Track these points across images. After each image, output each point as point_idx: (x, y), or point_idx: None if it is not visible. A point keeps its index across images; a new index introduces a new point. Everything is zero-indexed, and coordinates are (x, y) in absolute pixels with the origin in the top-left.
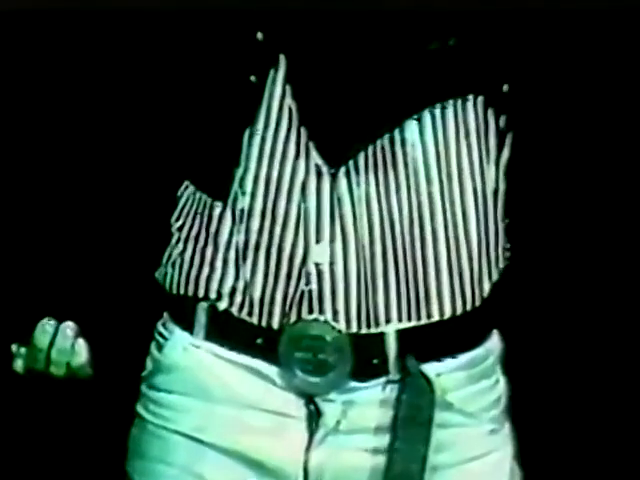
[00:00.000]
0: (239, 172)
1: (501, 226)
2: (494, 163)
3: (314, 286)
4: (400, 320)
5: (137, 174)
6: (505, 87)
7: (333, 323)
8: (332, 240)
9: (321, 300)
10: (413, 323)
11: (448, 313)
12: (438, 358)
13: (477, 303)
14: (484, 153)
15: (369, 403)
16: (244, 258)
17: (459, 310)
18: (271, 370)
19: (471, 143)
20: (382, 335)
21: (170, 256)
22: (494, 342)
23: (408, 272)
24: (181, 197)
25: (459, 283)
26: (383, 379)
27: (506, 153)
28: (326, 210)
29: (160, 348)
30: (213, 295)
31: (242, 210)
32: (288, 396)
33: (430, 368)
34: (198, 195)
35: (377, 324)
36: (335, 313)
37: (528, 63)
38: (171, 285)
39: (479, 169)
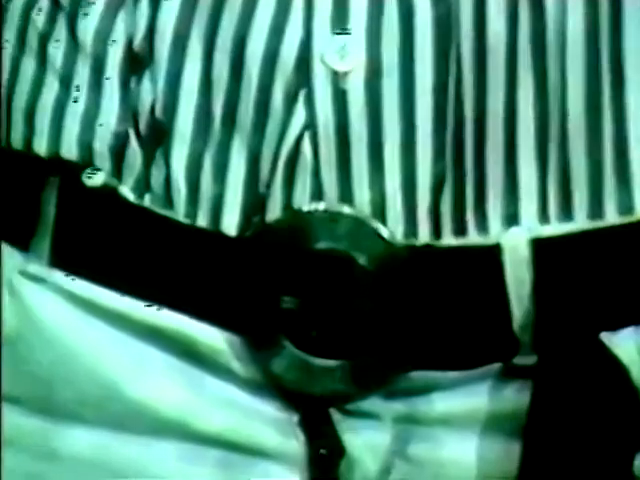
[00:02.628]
0: None
1: None
2: None
3: (326, 133)
4: (544, 218)
5: None
6: None
7: (375, 223)
8: (374, 29)
9: (345, 164)
10: (579, 225)
11: None
12: None
13: None
14: None
15: (461, 422)
16: (149, 58)
17: None
18: (217, 340)
19: None
20: (494, 255)
21: None
22: None
23: (569, 101)
24: None
25: None
26: (495, 366)
27: None
28: None
29: None
30: (72, 151)
31: None
32: (259, 406)
33: (623, 342)
34: None
35: (483, 227)
36: (379, 198)
37: None
38: None
39: None
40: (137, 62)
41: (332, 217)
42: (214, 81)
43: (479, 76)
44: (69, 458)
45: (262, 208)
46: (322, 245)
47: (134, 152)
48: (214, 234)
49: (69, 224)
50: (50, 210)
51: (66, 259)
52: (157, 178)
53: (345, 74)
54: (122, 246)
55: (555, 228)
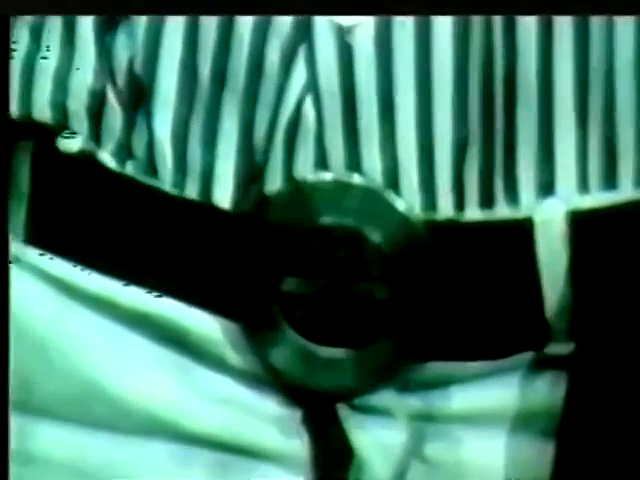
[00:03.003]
0: None
1: None
2: None
3: (330, 94)
4: (584, 188)
5: None
6: None
7: (388, 195)
8: None
9: (352, 128)
10: (623, 195)
11: None
12: None
13: None
14: None
15: (485, 419)
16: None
17: None
18: (210, 328)
19: None
20: (526, 231)
21: None
22: None
23: (617, 55)
24: None
25: None
26: (525, 355)
27: None
28: None
29: None
30: (45, 112)
31: None
32: (258, 402)
33: None
34: None
35: (514, 198)
36: (392, 166)
37: None
38: None
39: None
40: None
41: (339, 188)
42: (200, 36)
43: (509, 26)
44: (45, 461)
45: (259, 179)
46: (328, 220)
47: (113, 113)
48: (205, 207)
49: (45, 195)
50: (24, 180)
51: (43, 235)
52: (139, 143)
53: (351, 28)
54: (103, 219)
55: (596, 199)
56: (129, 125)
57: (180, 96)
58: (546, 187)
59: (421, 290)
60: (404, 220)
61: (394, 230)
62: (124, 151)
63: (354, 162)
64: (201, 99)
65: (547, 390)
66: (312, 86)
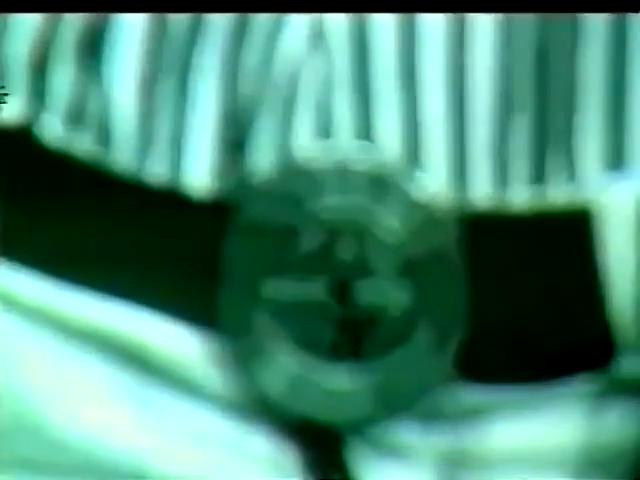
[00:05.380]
0: None
1: None
2: None
3: (339, 38)
4: None
5: None
6: None
7: (404, 172)
8: None
9: (364, 80)
10: None
11: None
12: None
13: None
14: None
15: (536, 461)
16: None
17: None
18: (181, 346)
19: None
20: (586, 218)
21: None
22: None
23: None
24: None
25: None
26: (590, 377)
27: None
28: None
29: None
30: None
31: None
32: (247, 442)
33: None
34: None
35: (571, 174)
36: (413, 132)
37: None
38: None
39: None
40: None
41: (341, 167)
42: None
43: None
44: None
45: (240, 154)
46: (327, 203)
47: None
48: (171, 194)
49: None
50: None
51: None
52: (92, 105)
53: None
54: (42, 207)
55: None
56: (80, 78)
57: (147, 38)
58: (613, 161)
59: (450, 295)
60: (425, 208)
61: (411, 220)
62: (71, 117)
63: (365, 128)
64: (172, 46)
65: (624, 422)
66: (315, 28)
